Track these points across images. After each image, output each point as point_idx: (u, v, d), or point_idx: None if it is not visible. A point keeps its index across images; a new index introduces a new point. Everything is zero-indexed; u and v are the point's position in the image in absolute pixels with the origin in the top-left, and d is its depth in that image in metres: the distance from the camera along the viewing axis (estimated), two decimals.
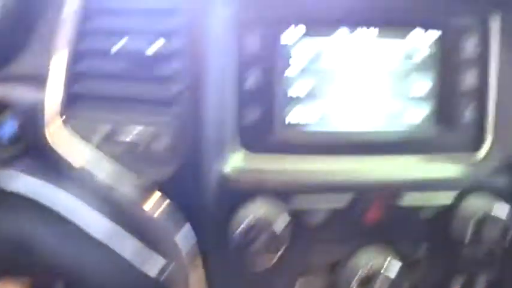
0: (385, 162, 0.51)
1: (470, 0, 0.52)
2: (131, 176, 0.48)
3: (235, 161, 0.49)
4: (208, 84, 0.47)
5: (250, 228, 0.46)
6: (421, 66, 0.52)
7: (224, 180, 0.48)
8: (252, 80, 0.49)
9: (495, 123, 0.51)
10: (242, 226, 0.46)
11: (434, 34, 0.51)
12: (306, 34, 0.50)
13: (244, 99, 0.49)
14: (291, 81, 0.50)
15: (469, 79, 0.52)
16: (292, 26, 0.50)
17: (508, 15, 0.51)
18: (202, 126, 0.47)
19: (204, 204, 0.48)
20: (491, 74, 0.52)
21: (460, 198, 0.50)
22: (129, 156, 0.48)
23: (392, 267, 0.48)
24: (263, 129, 0.50)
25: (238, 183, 0.48)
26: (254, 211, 0.47)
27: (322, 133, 0.51)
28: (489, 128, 0.52)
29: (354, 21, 0.50)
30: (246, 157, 0.49)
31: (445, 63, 0.52)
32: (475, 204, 0.49)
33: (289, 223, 0.47)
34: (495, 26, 0.52)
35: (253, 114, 0.49)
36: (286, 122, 0.51)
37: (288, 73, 0.50)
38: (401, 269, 0.49)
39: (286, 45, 0.50)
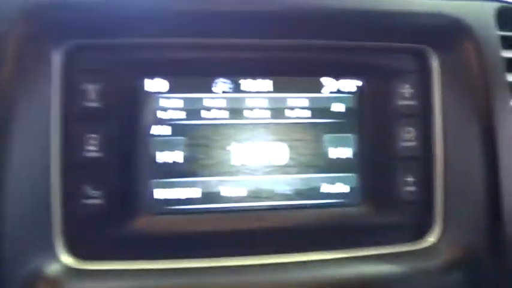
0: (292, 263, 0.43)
1: (398, 38, 0.46)
2: None
3: (57, 273, 0.39)
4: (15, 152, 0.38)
5: None
6: (339, 125, 0.45)
7: None
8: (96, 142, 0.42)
9: (445, 200, 0.44)
10: None
11: (353, 84, 0.46)
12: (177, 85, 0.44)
13: (82, 173, 0.41)
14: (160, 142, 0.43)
15: (406, 139, 0.46)
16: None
17: (447, 53, 0.46)
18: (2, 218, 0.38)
19: None
20: (436, 131, 0.46)
21: None
22: None
23: None
24: (107, 221, 0.42)
25: None
26: None
27: (204, 217, 0.43)
28: (437, 208, 0.45)
29: (242, 72, 0.45)
30: (73, 268, 0.40)
31: (371, 119, 0.45)
32: None
33: None
34: (435, 67, 0.46)
35: (94, 198, 0.42)
36: (150, 204, 0.43)
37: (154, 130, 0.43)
38: None
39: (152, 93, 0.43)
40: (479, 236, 0.44)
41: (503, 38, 0.47)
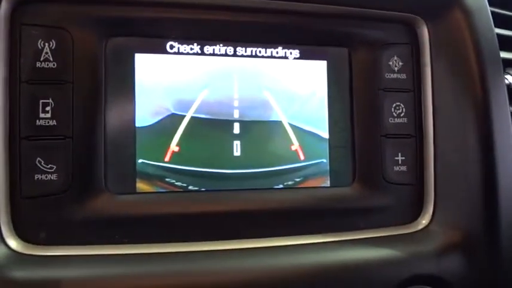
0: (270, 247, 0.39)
1: (385, 6, 0.43)
2: None
3: (0, 259, 0.34)
4: None
5: None
6: (317, 98, 0.44)
7: None
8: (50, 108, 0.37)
9: (437, 180, 0.42)
10: None
11: (337, 52, 0.44)
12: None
13: (33, 144, 0.37)
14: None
15: (395, 115, 0.44)
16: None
17: (436, 23, 0.44)
18: None
19: None
20: (426, 106, 0.44)
21: None
22: None
23: None
24: (62, 201, 0.37)
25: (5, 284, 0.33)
26: None
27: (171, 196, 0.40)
28: (428, 188, 0.43)
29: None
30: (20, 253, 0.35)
31: (357, 91, 0.44)
32: None
33: None
34: (424, 37, 0.44)
35: (47, 173, 0.37)
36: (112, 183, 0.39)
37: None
38: None
39: None
40: (473, 217, 0.42)
41: (494, 13, 0.45)
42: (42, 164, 0.37)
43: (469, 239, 0.42)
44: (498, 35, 0.45)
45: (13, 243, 0.36)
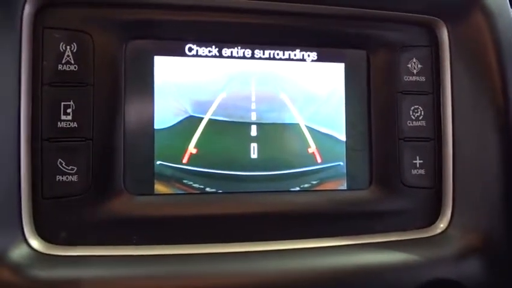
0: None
1: (405, 8, 0.43)
2: None
3: (22, 258, 0.35)
4: None
5: None
6: (334, 101, 0.44)
7: (2, 283, 0.34)
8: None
9: (455, 184, 0.42)
10: None
11: (355, 55, 0.43)
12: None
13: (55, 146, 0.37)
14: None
15: (414, 118, 0.44)
16: None
17: (456, 25, 0.43)
18: None
19: None
20: (446, 110, 0.43)
21: None
22: None
23: None
24: (82, 202, 0.38)
25: (25, 284, 0.34)
26: None
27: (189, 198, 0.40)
28: (447, 192, 0.43)
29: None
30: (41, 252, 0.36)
31: (375, 94, 0.44)
32: None
33: None
34: (444, 39, 0.43)
35: (68, 175, 0.37)
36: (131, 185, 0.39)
37: None
38: None
39: None
40: (493, 221, 0.41)
41: None
42: (63, 165, 0.37)
43: (488, 242, 0.41)
44: None
45: (35, 243, 0.36)
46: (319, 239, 0.40)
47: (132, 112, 0.40)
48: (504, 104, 0.42)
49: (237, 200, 0.41)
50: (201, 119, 0.42)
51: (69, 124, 0.38)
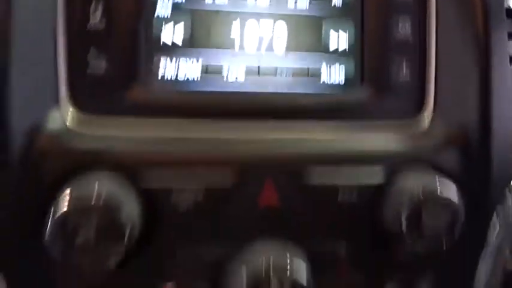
0: (286, 129, 0.41)
1: None
2: None
3: (58, 123, 0.38)
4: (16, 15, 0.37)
5: (75, 213, 0.33)
6: (340, 12, 0.44)
7: (40, 151, 0.37)
8: (98, 15, 0.40)
9: (437, 82, 0.44)
10: (63, 211, 0.33)
11: None
12: None
13: (85, 40, 0.40)
14: (161, 21, 0.42)
15: (402, 27, 0.45)
16: None
17: None
18: (8, 72, 0.37)
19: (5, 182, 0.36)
20: (430, 19, 0.46)
21: (393, 175, 0.39)
22: None
23: (299, 269, 0.36)
24: (111, 84, 0.40)
25: (62, 152, 0.37)
26: (83, 188, 0.34)
27: (200, 93, 0.42)
28: (429, 88, 0.44)
29: None
30: (77, 119, 0.39)
31: (370, 7, 0.45)
32: (414, 183, 0.38)
33: (142, 208, 0.36)
34: None
35: (97, 62, 0.40)
36: (151, 76, 0.41)
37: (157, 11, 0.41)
38: (312, 272, 0.37)
39: None
40: (470, 115, 0.46)
41: None
42: (95, 50, 0.42)
43: (467, 135, 0.45)
44: None
45: (70, 117, 0.41)
46: (319, 120, 0.43)
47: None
48: (482, 17, 0.46)
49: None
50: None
51: (99, 16, 0.41)
